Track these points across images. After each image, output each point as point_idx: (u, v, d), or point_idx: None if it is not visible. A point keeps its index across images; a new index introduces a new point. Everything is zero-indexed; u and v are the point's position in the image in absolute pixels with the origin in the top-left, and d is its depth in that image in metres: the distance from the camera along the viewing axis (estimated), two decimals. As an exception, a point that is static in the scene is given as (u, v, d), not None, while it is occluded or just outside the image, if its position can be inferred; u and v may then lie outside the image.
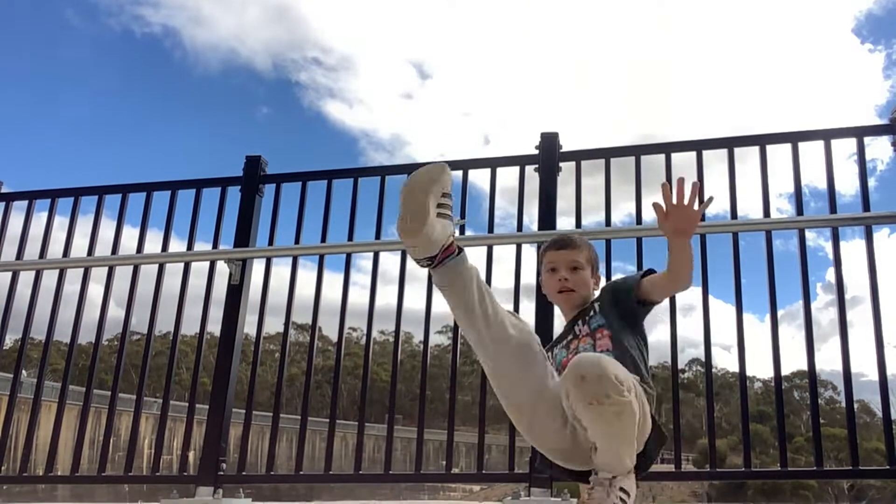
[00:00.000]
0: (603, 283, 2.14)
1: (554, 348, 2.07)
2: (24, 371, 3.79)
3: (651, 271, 2.01)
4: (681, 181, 1.85)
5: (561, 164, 3.28)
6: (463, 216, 3.32)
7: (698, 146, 3.16)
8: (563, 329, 2.10)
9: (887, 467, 2.72)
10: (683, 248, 1.87)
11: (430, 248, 1.68)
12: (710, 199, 2.04)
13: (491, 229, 3.27)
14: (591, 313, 2.00)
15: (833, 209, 2.96)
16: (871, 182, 3.05)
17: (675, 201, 1.83)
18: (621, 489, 1.70)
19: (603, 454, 1.70)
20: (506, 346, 1.76)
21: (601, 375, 1.58)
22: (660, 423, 1.83)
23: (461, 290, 1.74)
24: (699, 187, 1.86)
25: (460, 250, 1.76)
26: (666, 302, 3.03)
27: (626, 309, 1.97)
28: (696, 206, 1.83)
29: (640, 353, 1.95)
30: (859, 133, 3.04)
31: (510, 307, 3.15)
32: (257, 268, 3.51)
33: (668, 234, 1.88)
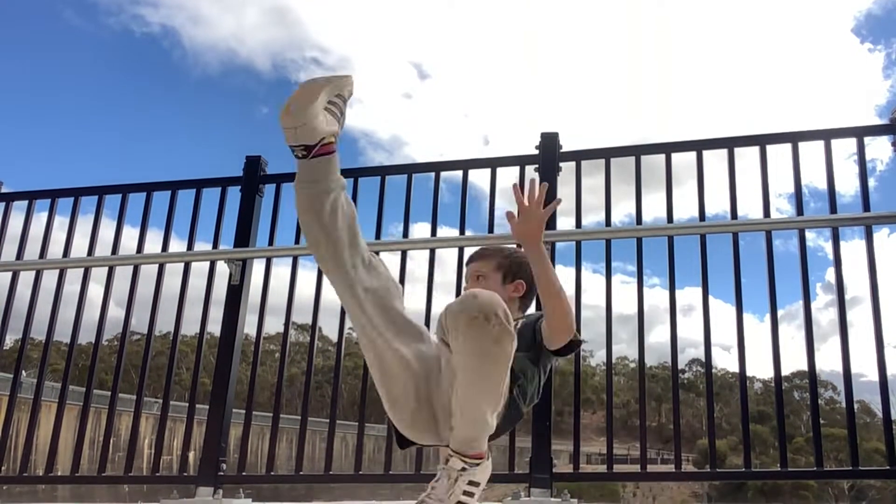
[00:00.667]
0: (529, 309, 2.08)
1: None
2: (23, 372, 3.79)
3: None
4: (532, 182, 1.84)
5: (561, 165, 3.28)
6: (463, 216, 3.33)
7: (698, 146, 3.16)
8: None
9: (887, 467, 2.72)
10: (537, 261, 1.77)
11: (309, 136, 1.61)
12: (558, 200, 2.08)
13: (491, 229, 3.27)
14: None
15: (833, 209, 2.96)
16: (871, 182, 3.05)
17: (526, 203, 1.81)
18: (470, 482, 1.63)
19: (464, 411, 1.60)
20: (378, 295, 1.71)
21: (493, 297, 1.57)
22: (520, 406, 1.81)
23: (324, 193, 1.67)
24: (547, 189, 1.83)
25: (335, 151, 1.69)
26: (666, 302, 3.04)
27: (531, 343, 1.85)
28: (542, 209, 1.81)
29: (533, 379, 1.86)
30: (859, 133, 3.04)
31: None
32: (257, 268, 3.51)
33: (519, 239, 1.84)
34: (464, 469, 1.62)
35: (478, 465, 1.65)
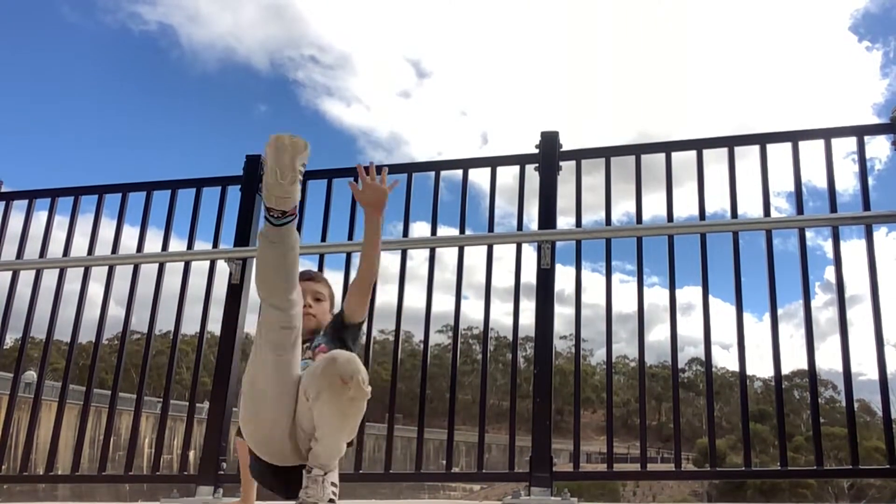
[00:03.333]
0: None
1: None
2: (33, 372, 3.78)
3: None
4: (372, 165, 2.20)
5: (561, 163, 3.28)
6: (463, 215, 3.33)
7: (698, 145, 3.16)
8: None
9: (887, 466, 2.72)
10: (375, 226, 2.23)
11: (289, 205, 1.87)
12: (396, 182, 2.31)
13: (491, 228, 3.27)
14: (318, 336, 2.27)
15: (833, 208, 2.96)
16: (870, 181, 3.04)
17: (368, 181, 2.19)
18: (332, 483, 1.93)
19: (324, 444, 1.89)
20: (286, 332, 1.93)
21: (351, 362, 1.83)
22: None
23: (288, 249, 1.92)
24: (387, 172, 2.22)
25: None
26: (666, 301, 3.04)
27: (337, 331, 2.25)
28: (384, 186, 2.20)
29: None
30: (859, 132, 3.04)
31: (510, 307, 3.16)
32: (257, 267, 3.50)
33: (365, 205, 2.22)
34: (325, 474, 1.92)
35: (332, 469, 1.95)
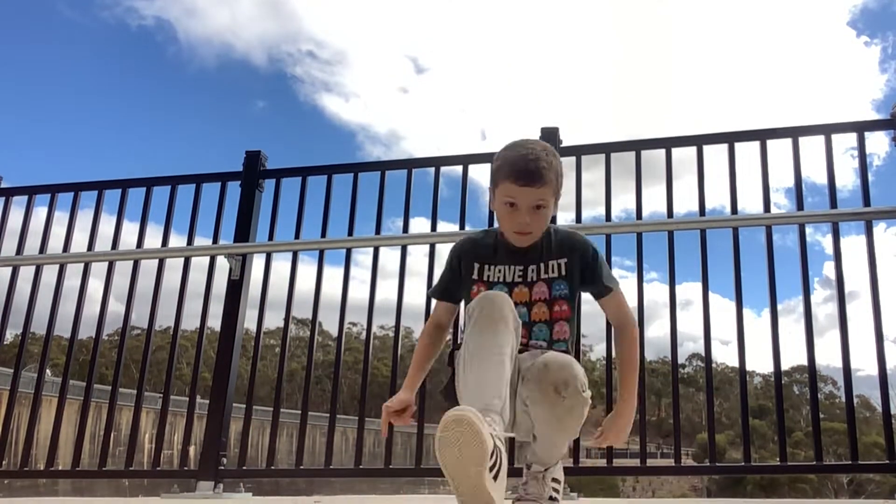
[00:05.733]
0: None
1: (490, 273, 1.88)
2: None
3: (616, 290, 1.90)
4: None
5: (561, 159, 3.27)
6: (463, 211, 3.33)
7: (698, 141, 3.15)
8: (503, 253, 1.88)
9: (887, 461, 2.73)
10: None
11: None
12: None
13: (491, 224, 3.27)
14: (553, 271, 1.84)
15: (833, 204, 2.96)
16: (869, 177, 3.04)
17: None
18: (553, 479, 1.77)
19: (541, 445, 1.73)
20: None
21: (565, 365, 1.61)
22: None
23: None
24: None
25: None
26: (665, 297, 3.04)
27: (578, 287, 1.86)
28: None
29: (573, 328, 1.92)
30: (860, 128, 3.03)
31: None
32: (257, 263, 3.51)
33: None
34: (546, 470, 1.77)
35: (556, 464, 1.79)
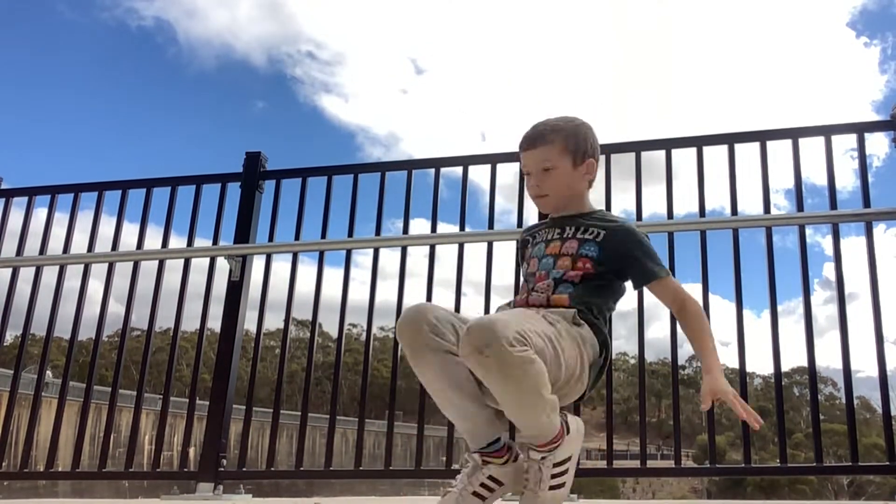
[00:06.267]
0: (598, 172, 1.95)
1: (537, 238, 1.97)
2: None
3: (666, 279, 1.85)
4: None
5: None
6: (463, 212, 3.33)
7: (698, 142, 3.15)
8: (548, 219, 1.97)
9: (887, 463, 2.72)
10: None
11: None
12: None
13: (491, 225, 3.27)
14: (589, 234, 1.85)
15: (833, 205, 2.96)
16: (869, 178, 3.04)
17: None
18: (555, 465, 1.63)
19: (508, 414, 1.62)
20: None
21: (485, 326, 1.48)
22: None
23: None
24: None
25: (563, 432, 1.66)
26: (666, 298, 3.04)
27: (614, 264, 1.82)
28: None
29: (602, 309, 1.84)
30: (860, 129, 3.03)
31: (510, 299, 3.15)
32: (257, 264, 3.51)
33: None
34: (543, 458, 1.63)
35: (555, 447, 1.64)
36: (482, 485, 1.67)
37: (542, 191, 1.88)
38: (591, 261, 1.82)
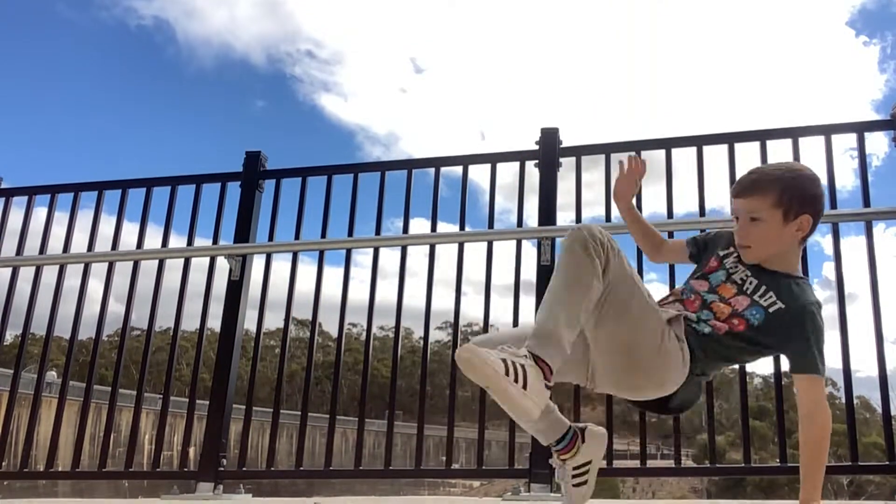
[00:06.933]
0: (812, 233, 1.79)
1: (730, 260, 1.86)
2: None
3: (818, 380, 1.79)
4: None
5: (561, 160, 3.28)
6: (463, 212, 3.33)
7: (699, 142, 3.15)
8: (727, 253, 1.87)
9: (886, 463, 2.72)
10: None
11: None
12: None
13: (491, 225, 3.27)
14: (765, 299, 1.74)
15: (833, 204, 2.96)
16: (868, 177, 3.04)
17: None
18: (574, 468, 1.89)
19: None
20: None
21: (461, 354, 1.52)
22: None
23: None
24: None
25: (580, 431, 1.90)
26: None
27: (775, 339, 1.75)
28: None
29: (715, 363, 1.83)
30: (859, 128, 3.04)
31: (510, 303, 3.15)
32: (257, 263, 3.51)
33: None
34: (565, 461, 1.90)
35: (572, 453, 1.90)
36: (574, 476, 1.89)
37: (746, 241, 1.77)
38: (747, 324, 1.74)
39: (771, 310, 1.72)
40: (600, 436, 1.93)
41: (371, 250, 3.35)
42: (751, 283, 1.77)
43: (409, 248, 3.34)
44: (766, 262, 1.79)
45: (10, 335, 4.05)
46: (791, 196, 1.72)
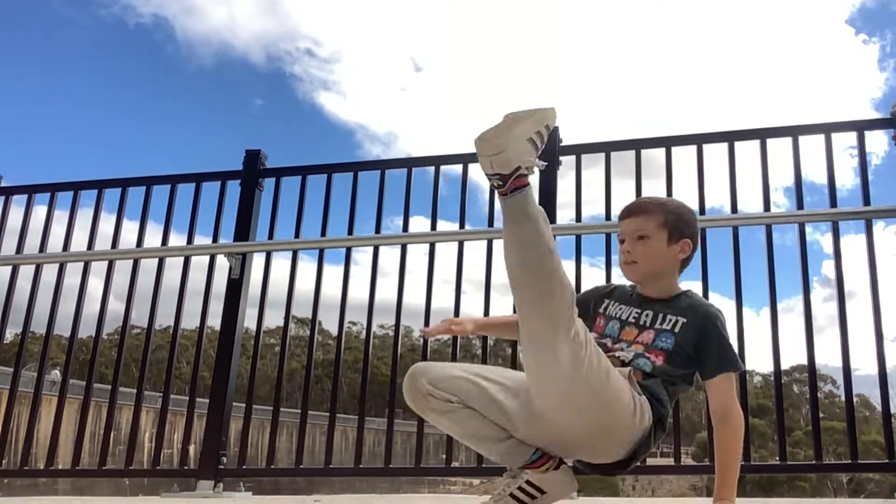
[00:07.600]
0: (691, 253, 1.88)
1: (612, 309, 1.91)
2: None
3: (731, 375, 1.79)
4: None
5: (561, 158, 3.28)
6: (463, 210, 3.33)
7: (698, 140, 3.16)
8: (635, 299, 1.89)
9: (886, 461, 2.73)
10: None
11: (503, 165, 1.59)
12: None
13: (491, 223, 3.27)
14: (668, 325, 1.79)
15: (833, 203, 2.96)
16: (868, 176, 3.04)
17: None
18: (526, 483, 1.70)
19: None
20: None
21: (407, 379, 1.65)
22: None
23: (527, 230, 1.66)
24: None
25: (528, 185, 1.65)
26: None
27: (690, 353, 1.76)
28: None
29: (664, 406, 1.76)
30: (859, 127, 3.04)
31: (510, 302, 3.15)
32: (257, 262, 3.51)
33: None
34: (520, 471, 1.74)
35: (535, 469, 1.72)
36: (521, 489, 1.71)
37: (631, 257, 1.85)
38: (665, 353, 1.76)
39: (676, 329, 1.77)
40: (570, 483, 1.77)
41: (371, 249, 3.35)
42: (647, 316, 1.83)
43: (409, 247, 3.34)
44: (650, 284, 1.87)
45: (11, 333, 4.05)
46: (675, 221, 1.85)
